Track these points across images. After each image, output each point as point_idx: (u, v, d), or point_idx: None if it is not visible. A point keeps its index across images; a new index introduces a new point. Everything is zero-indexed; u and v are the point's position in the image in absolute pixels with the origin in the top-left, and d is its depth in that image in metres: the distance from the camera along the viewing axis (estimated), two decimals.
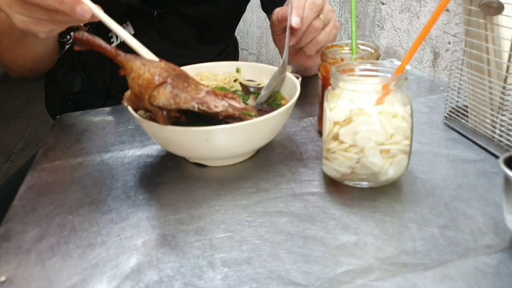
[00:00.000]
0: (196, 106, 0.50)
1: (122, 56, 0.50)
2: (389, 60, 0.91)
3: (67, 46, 0.88)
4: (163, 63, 0.50)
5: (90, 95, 0.89)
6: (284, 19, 0.67)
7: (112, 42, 0.83)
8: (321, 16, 0.67)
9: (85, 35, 0.49)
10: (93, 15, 0.51)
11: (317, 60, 0.73)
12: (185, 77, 0.51)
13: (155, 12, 0.82)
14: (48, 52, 0.79)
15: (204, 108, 0.50)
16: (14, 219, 0.48)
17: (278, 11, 0.69)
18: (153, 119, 0.52)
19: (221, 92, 0.53)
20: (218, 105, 0.51)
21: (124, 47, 0.52)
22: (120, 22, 0.81)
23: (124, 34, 0.54)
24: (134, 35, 0.82)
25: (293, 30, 0.64)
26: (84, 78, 0.88)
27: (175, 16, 0.85)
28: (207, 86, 0.52)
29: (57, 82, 0.89)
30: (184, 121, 0.53)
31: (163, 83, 0.48)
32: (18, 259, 0.42)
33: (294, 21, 0.63)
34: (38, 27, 0.53)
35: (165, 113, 0.49)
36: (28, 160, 0.84)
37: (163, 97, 0.48)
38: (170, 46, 0.87)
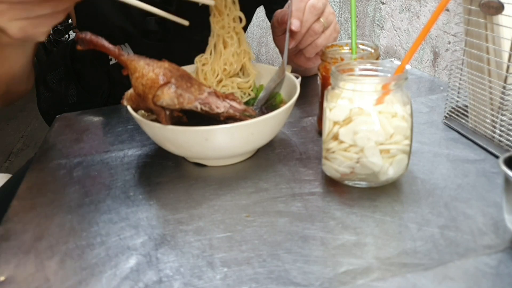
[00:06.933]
0: (199, 106, 0.50)
1: (125, 56, 0.50)
2: (389, 60, 0.91)
3: (55, 49, 0.86)
4: (166, 63, 0.50)
5: (87, 107, 0.87)
6: (284, 22, 0.67)
7: None
8: (321, 19, 0.66)
9: (88, 34, 0.49)
10: None
11: (316, 62, 0.73)
12: (188, 78, 0.51)
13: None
14: (27, 66, 0.70)
15: (206, 108, 0.51)
16: (13, 219, 0.48)
17: (278, 13, 0.69)
18: (153, 119, 0.52)
19: (223, 93, 0.53)
20: (220, 106, 0.51)
21: (124, 49, 0.52)
22: (117, 44, 0.80)
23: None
24: None
25: (292, 33, 0.64)
26: (80, 89, 0.86)
27: (180, 42, 0.81)
28: (209, 87, 0.52)
29: (51, 89, 0.88)
30: (186, 122, 0.53)
31: (167, 83, 0.49)
32: (17, 259, 0.42)
33: (294, 24, 0.63)
34: (38, 28, 0.51)
35: (168, 113, 0.50)
36: (27, 160, 0.83)
37: (167, 96, 0.48)
38: None
